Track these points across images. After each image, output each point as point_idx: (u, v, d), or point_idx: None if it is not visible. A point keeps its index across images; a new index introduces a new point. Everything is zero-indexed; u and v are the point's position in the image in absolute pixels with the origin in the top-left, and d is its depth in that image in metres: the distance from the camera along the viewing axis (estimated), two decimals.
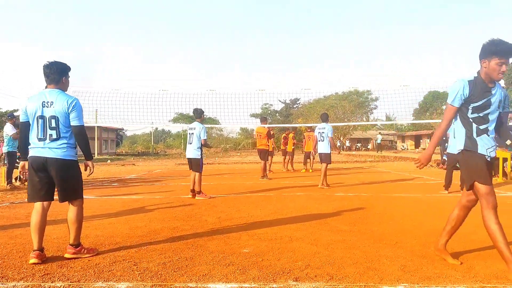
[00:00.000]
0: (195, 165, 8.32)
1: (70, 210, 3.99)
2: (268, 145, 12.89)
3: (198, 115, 8.54)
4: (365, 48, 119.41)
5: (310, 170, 15.67)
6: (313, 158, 15.42)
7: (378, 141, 41.78)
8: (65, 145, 3.88)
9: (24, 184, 10.82)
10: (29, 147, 3.92)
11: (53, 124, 3.83)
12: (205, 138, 8.30)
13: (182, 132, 53.44)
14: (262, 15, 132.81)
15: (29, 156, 3.90)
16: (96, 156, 42.57)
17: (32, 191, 3.90)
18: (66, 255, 3.90)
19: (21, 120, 3.96)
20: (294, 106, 62.52)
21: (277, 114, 62.70)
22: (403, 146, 59.78)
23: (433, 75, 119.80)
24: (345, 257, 3.88)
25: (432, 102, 57.25)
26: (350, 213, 6.32)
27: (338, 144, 48.74)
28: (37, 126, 3.85)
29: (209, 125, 31.12)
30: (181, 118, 41.72)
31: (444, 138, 16.95)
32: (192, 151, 8.32)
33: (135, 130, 58.95)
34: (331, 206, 7.08)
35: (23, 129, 3.96)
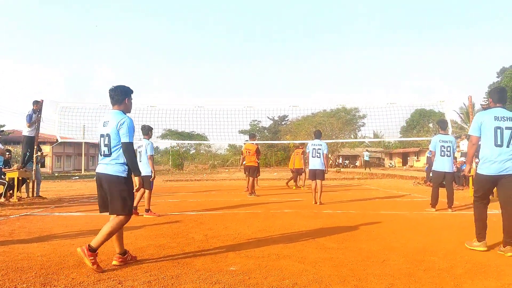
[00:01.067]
0: (146, 182, 8.11)
1: (110, 220, 4.15)
2: (257, 162, 12.89)
3: (146, 132, 8.49)
4: (353, 66, 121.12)
5: (302, 188, 15.64)
6: (305, 175, 15.42)
7: (366, 158, 42.03)
8: (114, 162, 4.13)
9: (9, 201, 10.63)
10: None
11: (106, 142, 4.15)
12: (151, 154, 8.21)
13: (171, 149, 53.15)
14: (250, 34, 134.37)
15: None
16: (83, 172, 42.10)
17: (98, 203, 4.30)
18: (78, 250, 4.01)
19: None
20: (283, 123, 62.68)
21: (266, 130, 62.76)
22: (390, 163, 60.18)
23: (419, 94, 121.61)
24: (332, 275, 3.86)
25: (419, 120, 57.90)
26: (338, 231, 6.31)
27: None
28: (99, 144, 4.25)
29: (198, 142, 31.02)
30: (169, 134, 41.55)
31: (429, 155, 17.10)
32: (142, 169, 8.17)
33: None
34: (319, 223, 7.06)
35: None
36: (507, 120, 4.72)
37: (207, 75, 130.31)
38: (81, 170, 46.13)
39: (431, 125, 56.17)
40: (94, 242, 3.99)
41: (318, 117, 50.55)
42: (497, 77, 46.41)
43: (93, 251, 3.95)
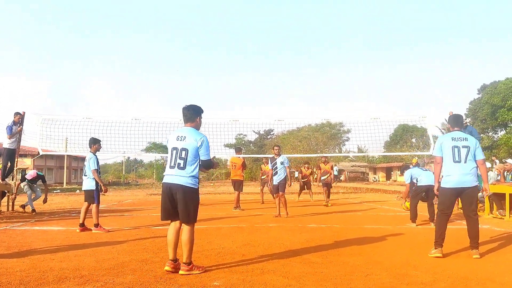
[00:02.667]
0: (89, 196, 7.99)
1: (184, 232, 4.50)
2: (243, 176, 12.85)
3: (90, 144, 8.34)
4: (337, 81, 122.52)
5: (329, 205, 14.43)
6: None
7: (335, 173, 42.73)
8: (189, 175, 4.48)
9: None
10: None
11: (183, 155, 4.49)
12: (95, 168, 7.98)
13: (155, 162, 52.80)
14: (236, 48, 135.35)
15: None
16: (64, 186, 41.41)
17: (165, 211, 4.65)
18: (181, 272, 4.39)
19: None
20: (268, 136, 62.93)
21: (251, 144, 62.89)
22: (374, 177, 60.65)
23: (402, 109, 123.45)
24: None
25: (402, 135, 58.70)
26: (322, 245, 6.32)
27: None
28: (170, 155, 4.57)
29: None
30: (154, 147, 41.28)
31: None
32: (86, 183, 8.06)
33: (106, 159, 57.74)
34: (303, 237, 7.06)
35: None
36: (463, 140, 5.50)
37: (192, 88, 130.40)
38: (62, 183, 45.36)
39: (414, 140, 56.99)
40: (186, 258, 4.44)
41: (303, 131, 50.96)
42: (478, 93, 47.40)
43: (189, 264, 4.45)
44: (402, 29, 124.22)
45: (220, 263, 5.03)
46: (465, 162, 5.40)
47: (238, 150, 13.80)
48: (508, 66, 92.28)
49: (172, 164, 4.52)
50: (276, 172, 10.32)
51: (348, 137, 51.63)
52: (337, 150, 53.45)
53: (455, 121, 5.87)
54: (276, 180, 10.32)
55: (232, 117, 15.12)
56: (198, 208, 4.65)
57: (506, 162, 11.72)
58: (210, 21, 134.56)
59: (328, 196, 14.51)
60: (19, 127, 11.64)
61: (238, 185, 12.60)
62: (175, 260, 4.51)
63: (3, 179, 11.41)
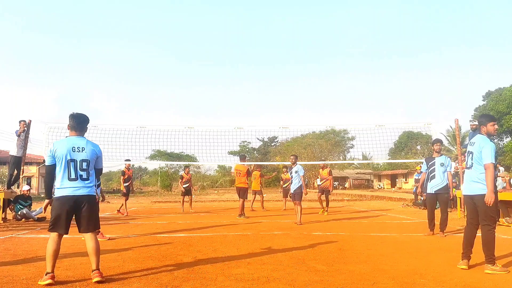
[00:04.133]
0: None
1: (93, 240, 4.57)
2: (247, 183, 12.87)
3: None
4: (342, 90, 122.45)
5: (326, 213, 13.90)
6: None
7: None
8: (92, 184, 4.67)
9: None
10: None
11: (84, 166, 4.57)
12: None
13: (159, 170, 52.84)
14: (241, 58, 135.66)
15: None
16: None
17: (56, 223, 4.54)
18: (97, 279, 4.35)
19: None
20: (272, 144, 63.00)
21: (255, 152, 62.95)
22: (379, 185, 60.42)
23: (407, 116, 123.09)
24: None
25: (407, 142, 58.53)
26: (328, 253, 6.29)
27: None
28: (68, 168, 4.54)
29: (187, 163, 30.89)
30: (158, 155, 41.35)
31: (417, 177, 17.23)
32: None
33: (111, 167, 57.94)
34: (309, 245, 7.04)
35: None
36: (472, 145, 5.32)
37: (197, 96, 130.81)
38: None
39: (418, 147, 56.81)
40: (98, 265, 4.47)
41: (307, 138, 50.93)
42: (483, 100, 47.30)
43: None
44: (406, 37, 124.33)
45: (226, 271, 5.02)
46: (471, 167, 5.27)
47: (243, 158, 13.80)
48: None
49: (73, 177, 4.53)
50: (292, 181, 10.54)
51: (352, 144, 51.69)
52: (341, 157, 53.35)
53: (479, 122, 5.44)
54: (291, 189, 10.56)
55: (236, 125, 15.15)
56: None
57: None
58: (217, 32, 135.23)
59: (327, 204, 14.20)
60: (25, 135, 11.71)
61: (242, 193, 12.59)
62: (53, 272, 4.39)
63: (9, 187, 11.47)
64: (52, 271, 4.37)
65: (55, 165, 4.53)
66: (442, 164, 8.38)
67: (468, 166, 5.32)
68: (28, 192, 12.04)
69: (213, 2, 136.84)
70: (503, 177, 11.81)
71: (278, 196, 29.43)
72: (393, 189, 49.52)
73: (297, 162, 10.74)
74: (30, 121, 12.03)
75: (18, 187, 12.47)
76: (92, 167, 4.66)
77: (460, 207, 11.62)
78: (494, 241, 5.01)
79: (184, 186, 15.70)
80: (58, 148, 4.55)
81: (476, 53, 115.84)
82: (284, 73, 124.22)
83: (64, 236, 4.58)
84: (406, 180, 55.21)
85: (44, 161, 14.39)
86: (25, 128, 11.69)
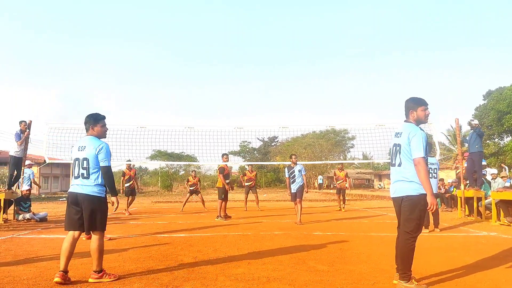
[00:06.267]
0: None
1: (93, 241, 4.54)
2: (223, 183, 12.15)
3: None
4: (342, 89, 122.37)
5: (343, 210, 15.45)
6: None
7: (320, 181, 47.15)
8: (93, 183, 4.58)
9: None
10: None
11: (84, 165, 4.58)
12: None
13: (160, 170, 52.83)
14: (241, 58, 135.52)
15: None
16: None
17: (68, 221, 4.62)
18: (90, 280, 4.43)
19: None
20: (272, 144, 62.93)
21: (255, 152, 62.88)
22: (380, 184, 60.38)
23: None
24: None
25: None
26: (328, 253, 6.30)
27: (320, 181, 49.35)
28: (74, 166, 4.67)
29: (187, 163, 30.89)
30: (159, 155, 41.33)
31: None
32: None
33: (111, 167, 57.83)
34: (309, 245, 7.04)
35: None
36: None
37: (197, 96, 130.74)
38: (66, 191, 45.43)
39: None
40: (96, 266, 4.47)
41: (307, 138, 50.87)
42: (483, 99, 47.22)
43: (100, 271, 4.47)
44: (406, 35, 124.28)
45: (226, 271, 5.02)
46: (400, 165, 4.32)
47: (222, 156, 12.85)
48: None
49: (76, 175, 4.62)
50: (294, 180, 10.56)
51: (353, 144, 51.61)
52: (341, 157, 53.30)
53: (407, 107, 4.68)
54: (294, 187, 10.56)
55: (236, 125, 15.14)
56: (106, 217, 4.68)
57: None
58: (217, 32, 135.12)
59: (344, 202, 15.83)
60: (26, 133, 11.71)
61: (219, 194, 12.10)
62: (65, 272, 4.42)
63: (9, 188, 11.48)
64: (64, 270, 4.39)
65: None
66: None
67: (394, 163, 4.39)
68: (28, 192, 12.06)
69: (213, 2, 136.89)
70: (503, 177, 11.82)
71: (278, 196, 29.43)
72: None
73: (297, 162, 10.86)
74: (31, 121, 12.04)
75: (18, 188, 12.48)
76: (93, 165, 4.58)
77: (461, 206, 11.65)
78: (412, 253, 4.17)
79: (191, 188, 15.87)
80: (73, 148, 4.82)
81: (477, 52, 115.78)
82: (284, 73, 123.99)
83: (62, 237, 4.57)
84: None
85: (44, 161, 14.41)
86: (26, 129, 11.70)
